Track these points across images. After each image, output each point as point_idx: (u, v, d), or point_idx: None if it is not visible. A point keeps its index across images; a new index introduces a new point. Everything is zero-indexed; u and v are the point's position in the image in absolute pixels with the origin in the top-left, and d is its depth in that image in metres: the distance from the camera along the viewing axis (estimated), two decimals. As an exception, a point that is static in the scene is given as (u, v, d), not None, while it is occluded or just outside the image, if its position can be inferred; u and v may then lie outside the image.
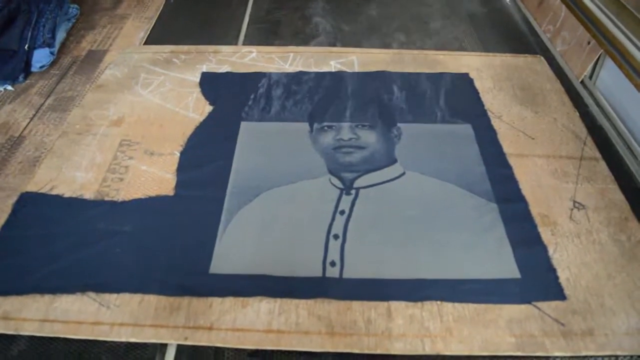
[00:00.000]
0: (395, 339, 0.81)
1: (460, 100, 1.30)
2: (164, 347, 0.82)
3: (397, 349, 0.80)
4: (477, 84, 1.35)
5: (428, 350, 0.80)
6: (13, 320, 0.83)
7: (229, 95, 1.31)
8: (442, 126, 1.22)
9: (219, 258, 0.93)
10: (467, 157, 1.13)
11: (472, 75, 1.38)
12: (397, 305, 0.86)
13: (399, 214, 1.01)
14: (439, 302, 0.86)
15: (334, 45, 1.55)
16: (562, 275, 0.90)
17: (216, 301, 0.86)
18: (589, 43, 1.39)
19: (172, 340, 0.82)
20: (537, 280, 0.89)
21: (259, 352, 0.81)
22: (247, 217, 1.01)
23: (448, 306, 0.86)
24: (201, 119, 1.24)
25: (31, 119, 1.30)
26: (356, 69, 1.41)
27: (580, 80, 1.40)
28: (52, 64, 1.52)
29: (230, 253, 0.94)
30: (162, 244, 0.95)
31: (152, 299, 0.86)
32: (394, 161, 1.12)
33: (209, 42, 1.55)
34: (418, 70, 1.40)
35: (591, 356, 0.80)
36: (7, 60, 1.46)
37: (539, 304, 0.86)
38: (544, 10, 1.66)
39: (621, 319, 0.84)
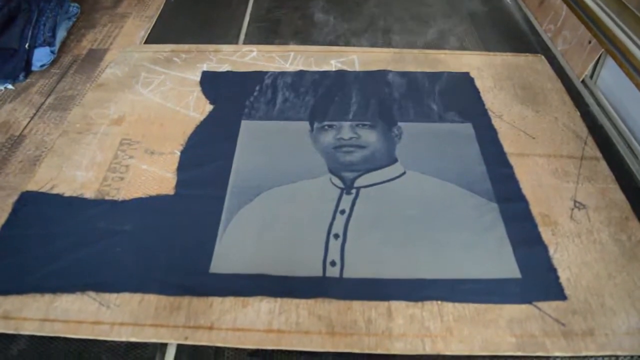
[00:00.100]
0: (395, 338, 0.81)
1: (461, 99, 1.29)
2: (164, 346, 0.82)
3: (398, 348, 0.80)
4: (478, 83, 1.35)
5: (428, 350, 0.80)
6: (13, 319, 0.83)
7: (229, 94, 1.31)
8: (443, 125, 1.22)
9: (220, 258, 0.93)
10: (467, 156, 1.13)
11: (472, 75, 1.38)
12: (397, 305, 0.86)
13: (399, 214, 1.01)
14: (439, 302, 0.86)
15: (334, 44, 1.54)
16: (563, 275, 0.90)
17: (216, 301, 0.86)
18: (589, 42, 1.39)
19: (173, 339, 0.82)
20: (537, 280, 0.89)
21: (260, 352, 0.81)
22: (248, 216, 1.01)
23: (448, 306, 0.85)
24: (202, 118, 1.24)
25: (32, 118, 1.30)
26: (357, 68, 1.41)
27: (581, 79, 1.40)
28: (53, 62, 1.52)
29: (231, 253, 0.94)
30: (163, 244, 0.95)
31: (152, 299, 0.86)
32: (395, 160, 1.12)
33: (210, 41, 1.55)
34: (419, 70, 1.40)
35: (592, 356, 0.80)
36: (8, 59, 1.46)
37: (540, 304, 0.86)
38: (545, 10, 1.66)
39: (621, 319, 0.84)
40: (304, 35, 1.60)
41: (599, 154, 1.13)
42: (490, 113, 1.25)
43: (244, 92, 1.32)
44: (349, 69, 1.40)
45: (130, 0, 1.88)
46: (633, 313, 0.84)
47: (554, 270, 0.91)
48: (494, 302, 0.86)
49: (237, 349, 0.81)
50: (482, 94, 1.31)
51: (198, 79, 1.37)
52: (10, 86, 1.42)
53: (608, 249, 0.94)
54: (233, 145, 1.16)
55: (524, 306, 0.85)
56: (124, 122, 1.22)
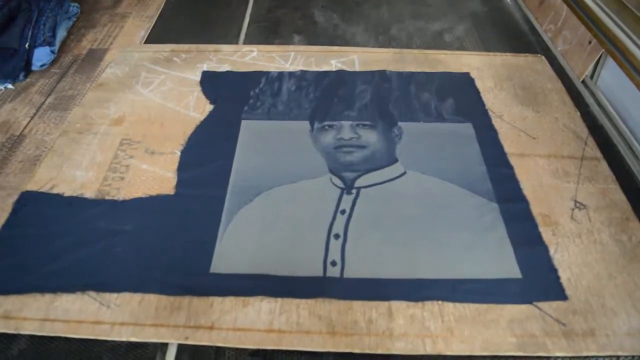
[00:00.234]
0: (396, 338, 0.81)
1: (461, 99, 1.29)
2: (164, 346, 0.82)
3: (398, 348, 0.80)
4: (478, 84, 1.35)
5: (429, 350, 0.80)
6: (13, 319, 0.83)
7: (229, 94, 1.31)
8: (443, 125, 1.22)
9: (220, 257, 0.93)
10: (468, 156, 1.13)
11: (473, 75, 1.38)
12: (398, 305, 0.85)
13: (400, 214, 1.01)
14: (440, 302, 0.86)
15: (335, 44, 1.54)
16: (563, 275, 0.90)
17: (217, 301, 0.86)
18: (590, 42, 1.39)
19: (173, 339, 0.82)
20: (538, 280, 0.89)
21: (260, 352, 0.81)
22: (248, 216, 1.00)
23: (449, 306, 0.85)
24: (202, 118, 1.24)
25: (32, 117, 1.30)
26: (357, 68, 1.41)
27: (581, 79, 1.40)
28: (53, 62, 1.52)
29: (231, 252, 0.94)
30: (163, 243, 0.95)
31: (152, 299, 0.86)
32: (395, 160, 1.12)
33: (210, 41, 1.54)
34: (419, 70, 1.40)
35: (592, 356, 0.80)
36: (8, 58, 1.46)
37: (540, 304, 0.86)
38: (545, 10, 1.66)
39: (622, 320, 0.84)
40: (305, 35, 1.60)
41: (599, 154, 1.13)
42: (490, 113, 1.25)
43: (244, 92, 1.32)
44: (349, 69, 1.40)
45: (130, 0, 1.87)
46: (634, 313, 0.84)
47: (555, 271, 0.91)
48: (494, 302, 0.86)
49: (237, 348, 0.81)
50: (482, 94, 1.31)
51: (198, 78, 1.37)
52: (10, 86, 1.42)
53: (609, 249, 0.94)
54: (233, 145, 1.16)
55: (524, 306, 0.85)
56: (124, 122, 1.22)
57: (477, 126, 1.21)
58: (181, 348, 0.82)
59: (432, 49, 1.51)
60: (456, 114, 1.25)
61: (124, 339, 0.81)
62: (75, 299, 0.86)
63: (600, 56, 1.36)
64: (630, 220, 0.99)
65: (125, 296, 0.87)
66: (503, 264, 0.92)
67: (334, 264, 0.92)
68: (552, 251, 0.94)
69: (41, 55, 1.50)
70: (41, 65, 1.49)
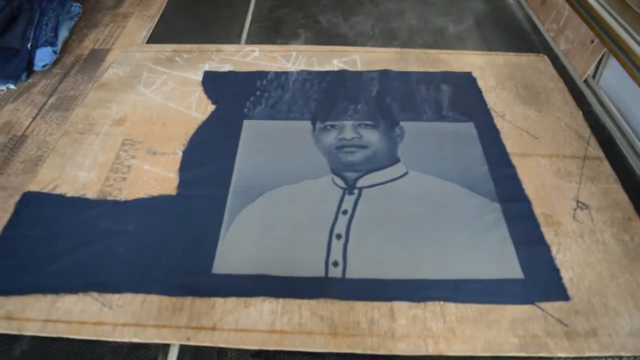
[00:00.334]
0: (398, 339, 0.81)
1: (463, 99, 1.29)
2: (166, 347, 0.82)
3: (400, 349, 0.80)
4: (480, 83, 1.35)
5: (431, 350, 0.80)
6: (16, 320, 0.83)
7: (231, 94, 1.31)
8: (445, 125, 1.22)
9: (222, 258, 0.93)
10: (470, 156, 1.13)
11: (474, 74, 1.38)
12: (400, 306, 0.85)
13: (402, 214, 1.01)
14: (441, 303, 0.86)
15: (336, 44, 1.54)
16: (566, 276, 0.90)
17: (219, 301, 0.86)
18: (592, 42, 1.38)
19: (175, 340, 0.81)
20: (540, 281, 0.89)
21: (262, 353, 0.81)
22: (250, 217, 1.00)
23: (451, 306, 0.85)
24: (204, 118, 1.24)
25: (34, 118, 1.30)
26: (359, 68, 1.41)
27: (583, 79, 1.40)
28: (55, 62, 1.52)
29: (233, 253, 0.94)
30: (165, 244, 0.95)
31: (154, 299, 0.86)
32: (397, 160, 1.12)
33: (212, 40, 1.54)
34: (421, 69, 1.40)
35: (595, 357, 0.80)
36: (10, 59, 1.46)
37: (542, 305, 0.85)
38: (547, 9, 1.65)
39: (625, 320, 0.83)
40: (307, 35, 1.59)
41: (601, 154, 1.13)
42: (492, 113, 1.24)
43: (246, 92, 1.32)
44: (351, 69, 1.40)
45: (132, 0, 1.87)
46: (636, 313, 0.84)
47: (557, 271, 0.90)
48: (496, 303, 0.86)
49: (239, 349, 0.81)
50: (484, 94, 1.31)
51: (200, 78, 1.37)
52: (12, 86, 1.42)
53: (611, 249, 0.94)
54: (235, 145, 1.16)
55: (526, 307, 0.85)
56: (126, 122, 1.22)
57: (479, 126, 1.21)
58: (183, 349, 0.82)
59: (434, 49, 1.51)
60: (458, 113, 1.25)
61: (126, 339, 0.81)
62: (78, 300, 0.86)
63: (603, 55, 1.35)
64: (632, 220, 0.99)
65: (127, 297, 0.87)
66: (505, 264, 0.92)
67: (335, 264, 0.92)
68: (554, 251, 0.94)
69: (43, 56, 1.50)
70: (43, 66, 1.49)
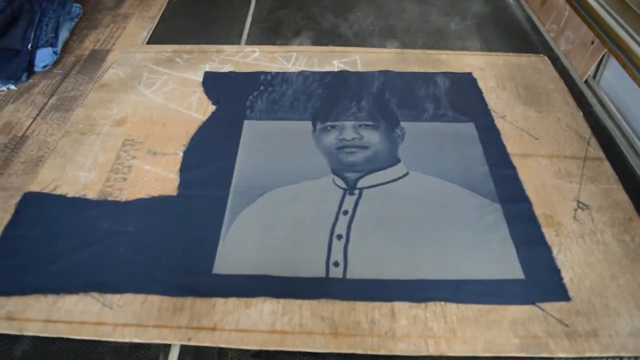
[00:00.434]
0: (398, 339, 0.81)
1: (464, 99, 1.29)
2: (167, 347, 0.82)
3: (401, 349, 0.80)
4: (481, 84, 1.35)
5: (432, 351, 0.80)
6: (16, 320, 0.83)
7: (231, 94, 1.31)
8: (446, 126, 1.22)
9: (222, 258, 0.93)
10: (470, 157, 1.13)
11: (475, 75, 1.38)
12: (400, 306, 0.85)
13: (402, 214, 1.01)
14: (442, 303, 0.86)
15: (337, 44, 1.54)
16: (566, 276, 0.90)
17: (219, 302, 0.86)
18: (592, 42, 1.38)
19: (176, 340, 0.81)
20: (541, 281, 0.89)
21: (263, 353, 0.81)
22: (250, 217, 1.00)
23: (452, 307, 0.85)
24: (204, 118, 1.24)
25: (34, 118, 1.30)
26: (359, 69, 1.41)
27: (584, 79, 1.40)
28: (55, 63, 1.52)
29: (234, 253, 0.94)
30: (165, 244, 0.95)
31: (155, 300, 0.86)
32: (398, 161, 1.12)
33: (212, 41, 1.55)
34: (421, 70, 1.40)
35: (595, 357, 0.80)
36: (10, 59, 1.46)
37: (543, 305, 0.85)
38: (548, 9, 1.66)
39: (625, 320, 0.83)
40: (307, 36, 1.59)
41: (602, 155, 1.13)
42: (493, 113, 1.25)
43: (246, 92, 1.32)
44: (351, 69, 1.40)
45: (132, 0, 1.87)
46: (637, 314, 0.84)
47: (558, 271, 0.90)
48: (497, 303, 0.86)
49: (240, 350, 0.81)
50: (484, 94, 1.31)
51: (200, 79, 1.37)
52: (12, 87, 1.42)
53: (611, 249, 0.94)
54: (236, 146, 1.16)
55: (527, 307, 0.85)
56: (127, 122, 1.22)
57: (479, 126, 1.21)
58: (184, 349, 0.82)
59: (434, 49, 1.51)
60: (458, 114, 1.25)
61: (126, 340, 0.81)
62: (78, 300, 0.86)
63: (603, 56, 1.36)
64: (633, 220, 0.99)
65: (128, 297, 0.87)
66: (506, 264, 0.92)
67: (336, 264, 0.92)
68: (554, 252, 0.94)
69: (44, 56, 1.51)
70: (44, 66, 1.50)
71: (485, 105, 1.27)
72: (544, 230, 0.97)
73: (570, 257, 0.93)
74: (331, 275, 0.90)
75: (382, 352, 0.80)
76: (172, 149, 1.15)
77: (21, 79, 1.44)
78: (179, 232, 0.98)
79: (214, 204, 1.03)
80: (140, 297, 0.87)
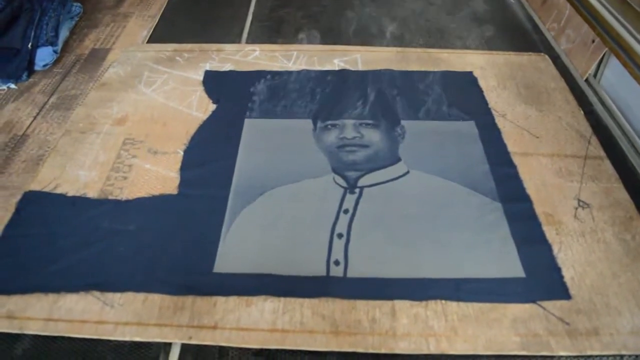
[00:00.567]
0: (399, 338, 0.81)
1: (464, 98, 1.29)
2: (168, 346, 0.82)
3: (402, 348, 0.80)
4: (481, 83, 1.34)
5: (432, 349, 0.80)
6: (17, 319, 0.83)
7: (232, 93, 1.31)
8: (446, 124, 1.22)
9: (223, 257, 0.93)
10: (471, 156, 1.13)
11: (475, 74, 1.38)
12: (401, 305, 0.85)
13: (403, 213, 1.01)
14: (443, 301, 0.86)
15: (337, 43, 1.54)
16: (567, 275, 0.90)
17: (220, 300, 0.86)
18: (593, 41, 1.38)
19: (177, 339, 0.81)
20: (541, 280, 0.89)
21: (264, 352, 0.81)
22: (251, 216, 1.00)
23: (452, 305, 0.85)
24: (205, 117, 1.23)
25: (35, 117, 1.30)
26: (360, 67, 1.41)
27: (584, 78, 1.40)
28: (56, 62, 1.52)
29: (234, 252, 0.94)
30: (166, 243, 0.95)
31: (156, 298, 0.86)
32: (398, 160, 1.12)
33: (212, 40, 1.54)
34: (422, 69, 1.40)
35: (596, 355, 0.80)
36: (11, 58, 1.46)
37: (544, 303, 0.85)
38: (548, 8, 1.65)
39: (626, 319, 0.83)
40: (307, 34, 1.59)
41: (602, 153, 1.13)
42: (493, 112, 1.24)
43: (247, 91, 1.32)
44: (352, 68, 1.40)
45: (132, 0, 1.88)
46: (637, 312, 0.84)
47: (558, 270, 0.90)
48: (498, 302, 0.86)
49: (241, 348, 0.81)
50: (485, 93, 1.31)
51: (201, 78, 1.37)
52: (13, 86, 1.42)
53: (612, 248, 0.94)
54: (236, 145, 1.16)
55: (528, 305, 0.85)
56: (127, 121, 1.22)
57: (480, 125, 1.21)
58: (185, 348, 0.82)
59: (435, 48, 1.51)
60: (459, 112, 1.24)
61: (127, 338, 0.81)
62: (79, 299, 0.86)
63: (604, 55, 1.35)
64: (633, 219, 0.99)
65: (129, 296, 0.87)
66: (506, 263, 0.92)
67: (337, 263, 0.92)
68: (555, 250, 0.94)
69: (44, 55, 1.51)
70: (44, 65, 1.50)
71: (486, 104, 1.27)
72: (545, 228, 0.97)
73: (571, 255, 0.93)
74: (332, 274, 0.90)
75: (383, 351, 0.80)
76: (172, 147, 1.15)
77: (21, 78, 1.44)
78: (179, 231, 0.97)
79: (215, 202, 1.02)
80: (141, 296, 0.87)
